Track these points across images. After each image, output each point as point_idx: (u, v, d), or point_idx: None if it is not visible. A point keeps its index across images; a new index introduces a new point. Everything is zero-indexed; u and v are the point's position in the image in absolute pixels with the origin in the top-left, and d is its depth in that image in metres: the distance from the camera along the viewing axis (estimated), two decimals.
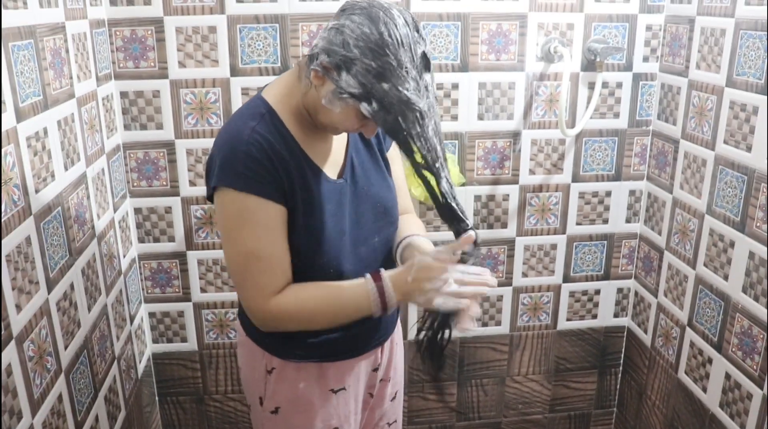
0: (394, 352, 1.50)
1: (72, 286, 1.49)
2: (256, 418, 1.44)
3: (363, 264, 1.30)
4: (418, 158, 1.13)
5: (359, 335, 1.35)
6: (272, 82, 1.27)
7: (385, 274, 1.21)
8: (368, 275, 1.22)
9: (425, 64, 1.10)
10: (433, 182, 1.16)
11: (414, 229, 1.41)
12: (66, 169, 1.47)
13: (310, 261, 1.24)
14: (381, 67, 1.06)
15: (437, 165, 1.13)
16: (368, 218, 1.31)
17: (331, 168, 1.27)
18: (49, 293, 1.36)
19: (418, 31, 1.09)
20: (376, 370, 1.45)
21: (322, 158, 1.25)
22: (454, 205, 1.17)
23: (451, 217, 1.18)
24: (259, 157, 1.14)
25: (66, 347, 1.44)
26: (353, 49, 1.06)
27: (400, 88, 1.07)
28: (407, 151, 1.12)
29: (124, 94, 1.87)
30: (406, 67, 1.07)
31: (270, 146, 1.15)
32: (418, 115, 1.09)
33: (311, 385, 1.35)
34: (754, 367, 1.67)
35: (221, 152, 1.16)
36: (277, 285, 1.20)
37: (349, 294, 1.22)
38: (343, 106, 1.11)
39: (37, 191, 1.32)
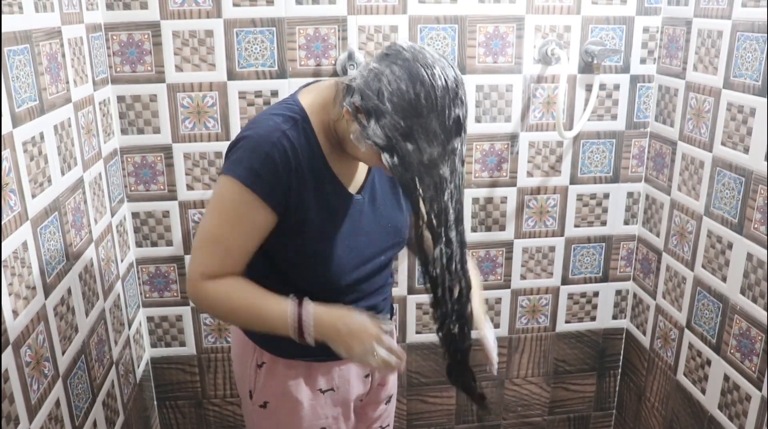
0: None
1: (69, 291, 1.49)
2: (246, 410, 1.46)
3: (363, 280, 1.32)
4: (425, 218, 1.13)
5: None
6: (311, 86, 1.27)
7: (311, 308, 1.20)
8: (292, 299, 1.21)
9: (457, 128, 1.08)
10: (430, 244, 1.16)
11: None
12: (63, 173, 1.47)
13: (312, 271, 1.25)
14: (409, 128, 1.06)
15: (440, 229, 1.12)
16: (379, 236, 1.31)
17: (352, 183, 1.28)
18: (46, 298, 1.36)
19: (457, 94, 1.07)
20: (368, 376, 1.45)
21: (345, 173, 1.25)
22: (439, 279, 1.16)
23: (432, 290, 1.18)
24: (278, 163, 1.14)
25: (63, 352, 1.44)
26: (386, 102, 1.06)
27: (423, 152, 1.07)
28: (415, 209, 1.14)
29: (121, 99, 1.87)
30: (434, 132, 1.06)
31: (293, 154, 1.15)
32: (436, 179, 1.09)
33: (300, 383, 1.36)
34: (753, 368, 1.67)
35: (247, 145, 1.16)
36: (220, 272, 1.20)
37: (271, 312, 1.21)
38: (368, 147, 1.11)
39: (33, 196, 1.31)
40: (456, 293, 1.18)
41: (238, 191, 1.15)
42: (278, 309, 1.20)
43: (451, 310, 1.19)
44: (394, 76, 1.06)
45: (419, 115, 1.05)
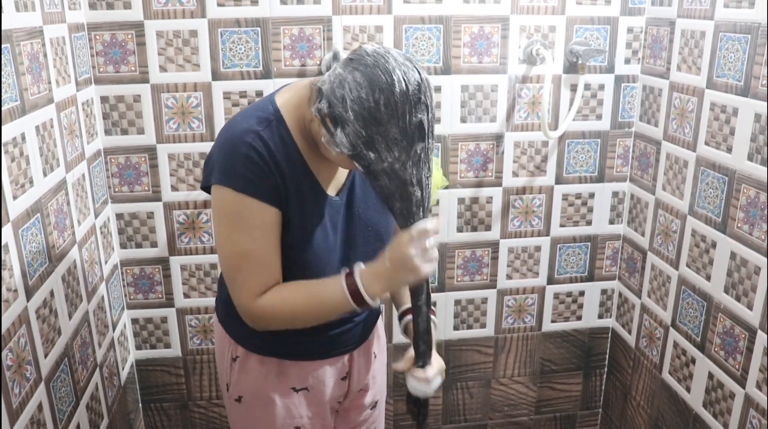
0: (372, 361, 1.50)
1: (52, 294, 1.47)
2: (225, 403, 1.47)
3: None
4: (396, 215, 1.15)
5: (322, 340, 1.37)
6: (288, 86, 1.27)
7: (358, 269, 1.19)
8: (343, 272, 1.21)
9: (420, 134, 1.08)
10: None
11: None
12: (45, 175, 1.46)
13: (292, 271, 1.25)
14: (370, 137, 1.07)
15: (409, 224, 1.15)
16: (359, 240, 1.31)
17: (331, 184, 1.28)
18: (28, 301, 1.34)
19: (420, 99, 1.07)
20: (345, 378, 1.44)
21: (324, 173, 1.25)
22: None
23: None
24: (259, 161, 1.15)
25: (46, 355, 1.42)
26: (349, 110, 1.06)
27: (384, 161, 1.08)
28: (391, 213, 1.16)
29: (104, 99, 1.85)
30: (395, 139, 1.07)
31: (269, 153, 1.16)
32: (399, 183, 1.11)
33: (272, 380, 1.36)
34: (736, 366, 1.68)
35: (222, 150, 1.17)
36: (266, 285, 1.21)
37: (326, 292, 1.21)
38: (338, 151, 1.11)
39: (14, 198, 1.30)
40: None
41: (234, 199, 1.16)
42: (333, 288, 1.19)
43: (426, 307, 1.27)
44: (355, 83, 1.06)
45: (379, 123, 1.06)
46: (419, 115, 1.07)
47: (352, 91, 1.05)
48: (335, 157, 1.16)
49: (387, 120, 1.05)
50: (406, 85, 1.05)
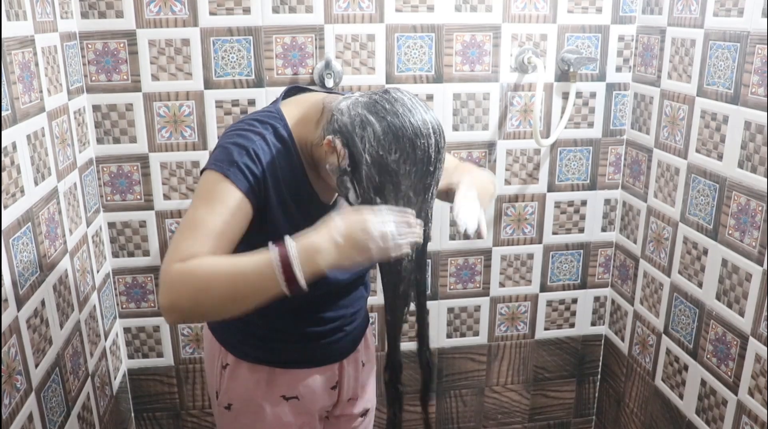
0: (360, 371, 1.50)
1: (43, 303, 1.46)
2: (214, 410, 1.47)
3: (333, 293, 1.33)
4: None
5: (313, 348, 1.37)
6: (293, 99, 1.27)
7: (292, 240, 1.02)
8: (271, 244, 1.04)
9: (429, 189, 1.12)
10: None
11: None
12: (36, 184, 1.45)
13: None
14: (381, 185, 1.08)
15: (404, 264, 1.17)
16: None
17: (328, 193, 1.28)
18: (18, 311, 1.34)
19: (438, 159, 1.10)
20: (335, 388, 1.44)
21: (322, 184, 1.26)
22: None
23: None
24: (254, 157, 1.14)
25: (37, 365, 1.41)
26: (366, 154, 1.07)
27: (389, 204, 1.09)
28: None
29: (96, 108, 1.85)
30: (405, 194, 1.09)
31: (269, 157, 1.16)
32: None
33: (262, 388, 1.36)
34: (729, 373, 1.69)
35: (224, 143, 1.17)
36: (197, 253, 1.06)
37: (252, 264, 1.03)
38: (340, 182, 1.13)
39: (5, 207, 1.29)
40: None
41: (213, 179, 1.13)
42: (259, 259, 1.02)
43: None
44: (380, 132, 1.07)
45: (394, 175, 1.07)
46: (430, 179, 1.10)
47: (374, 139, 1.07)
48: (333, 181, 1.16)
49: (404, 177, 1.08)
50: (427, 146, 1.08)
